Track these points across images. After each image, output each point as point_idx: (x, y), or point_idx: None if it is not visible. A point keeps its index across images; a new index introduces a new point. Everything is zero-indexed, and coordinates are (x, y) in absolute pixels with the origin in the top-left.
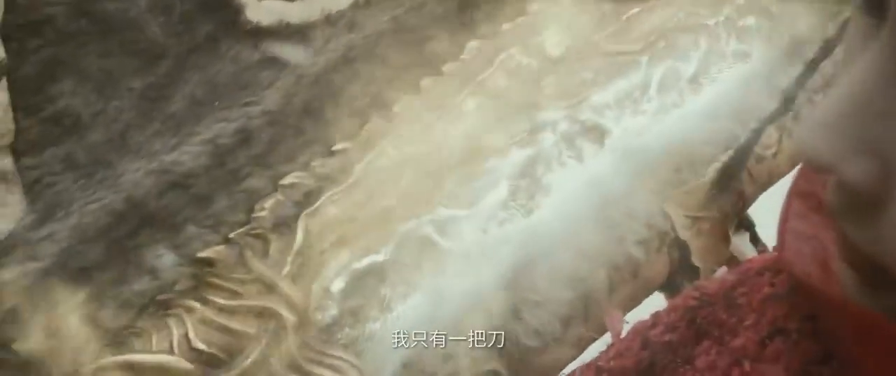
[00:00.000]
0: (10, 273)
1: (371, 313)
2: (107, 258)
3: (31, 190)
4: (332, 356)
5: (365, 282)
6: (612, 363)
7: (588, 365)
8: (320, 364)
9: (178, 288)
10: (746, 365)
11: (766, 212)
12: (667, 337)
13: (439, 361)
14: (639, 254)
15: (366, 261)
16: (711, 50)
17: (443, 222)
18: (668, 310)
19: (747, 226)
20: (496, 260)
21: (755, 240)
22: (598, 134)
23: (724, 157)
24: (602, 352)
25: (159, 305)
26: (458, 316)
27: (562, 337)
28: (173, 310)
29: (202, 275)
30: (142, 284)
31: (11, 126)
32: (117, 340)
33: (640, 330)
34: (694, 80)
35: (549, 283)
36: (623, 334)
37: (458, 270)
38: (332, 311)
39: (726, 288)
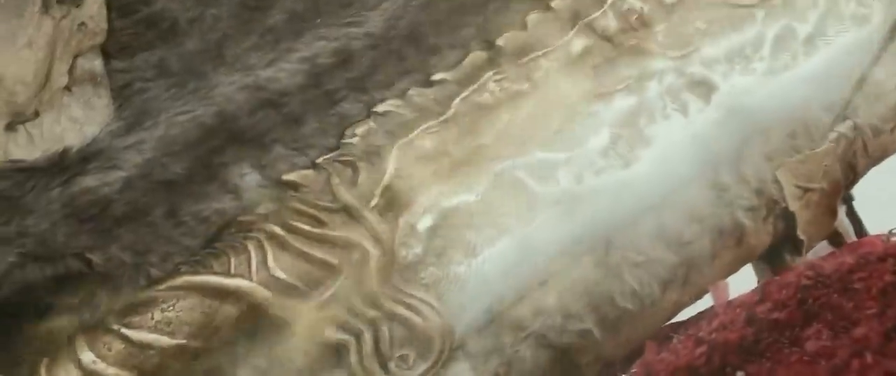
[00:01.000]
0: (93, 180)
1: (456, 256)
2: (191, 173)
3: (120, 94)
4: (413, 296)
5: (453, 222)
6: (714, 335)
7: (687, 334)
8: (400, 302)
9: (260, 210)
10: (868, 357)
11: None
12: (774, 315)
13: (528, 315)
14: (746, 222)
15: (456, 200)
16: (830, 11)
17: (537, 166)
18: (779, 287)
19: (847, 199)
20: (589, 212)
21: (852, 214)
22: (705, 89)
23: (842, 128)
24: (700, 320)
25: (240, 227)
26: (547, 268)
27: (659, 301)
28: (254, 234)
29: (286, 199)
30: (223, 203)
31: (105, 25)
32: (194, 259)
33: (747, 304)
34: (809, 41)
35: (652, 244)
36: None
37: (549, 218)
38: (417, 249)
39: (843, 270)
